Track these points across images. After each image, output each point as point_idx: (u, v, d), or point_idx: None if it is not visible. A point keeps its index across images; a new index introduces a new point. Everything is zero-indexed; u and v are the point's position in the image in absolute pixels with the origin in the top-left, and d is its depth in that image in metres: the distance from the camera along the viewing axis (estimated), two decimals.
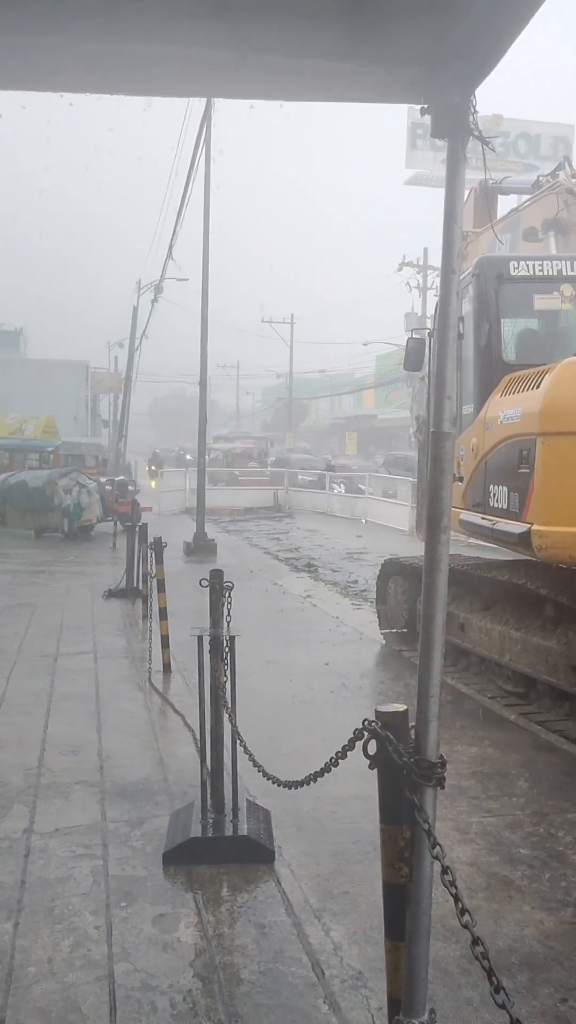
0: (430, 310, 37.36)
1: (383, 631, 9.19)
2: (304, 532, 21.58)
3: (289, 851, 4.16)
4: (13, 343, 49.15)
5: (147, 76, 2.26)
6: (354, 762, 2.51)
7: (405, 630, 8.77)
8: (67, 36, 2.03)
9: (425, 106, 1.90)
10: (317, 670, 7.75)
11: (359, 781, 4.72)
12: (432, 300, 38.05)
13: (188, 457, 37.60)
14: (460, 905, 1.76)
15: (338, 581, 13.65)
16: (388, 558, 9.70)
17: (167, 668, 7.51)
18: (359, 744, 2.19)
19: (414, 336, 8.67)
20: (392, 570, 9.22)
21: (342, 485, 28.41)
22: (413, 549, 12.93)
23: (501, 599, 7.13)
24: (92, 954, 3.29)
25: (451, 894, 1.75)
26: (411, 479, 20.08)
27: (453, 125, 1.88)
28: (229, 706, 4.20)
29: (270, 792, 4.55)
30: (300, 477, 30.34)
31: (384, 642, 8.98)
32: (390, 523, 21.93)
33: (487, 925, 3.53)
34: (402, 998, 1.93)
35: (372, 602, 10.70)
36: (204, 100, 14.42)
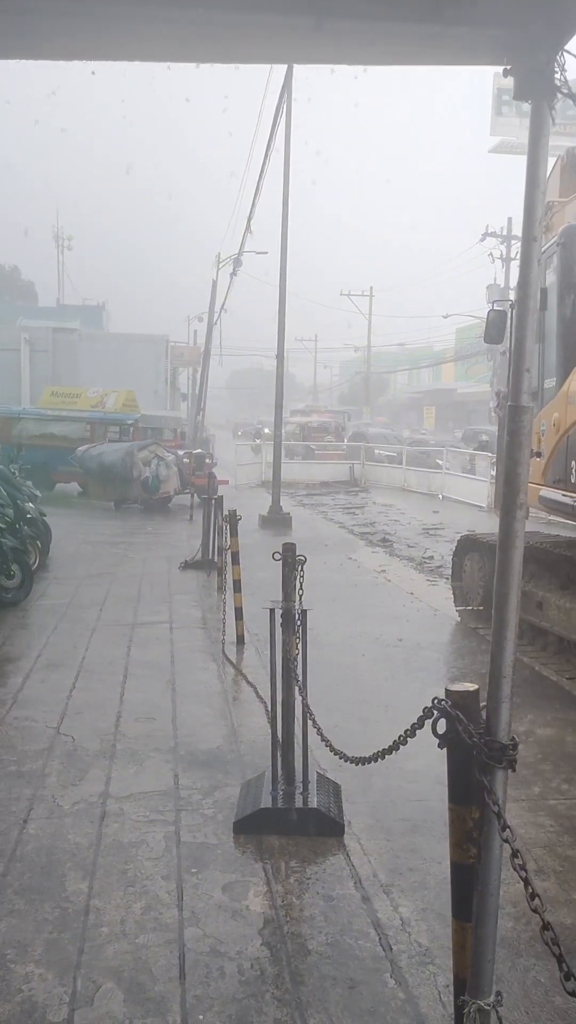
0: (513, 281, 36.48)
1: (458, 608, 9.10)
2: (380, 507, 21.45)
3: (358, 825, 4.17)
4: (96, 318, 49.87)
5: (227, 43, 2.23)
6: (426, 739, 2.48)
7: (481, 608, 8.65)
8: (146, 5, 2.01)
9: (508, 67, 1.83)
10: (390, 646, 7.72)
11: (431, 758, 4.69)
12: (515, 270, 37.14)
13: (266, 431, 37.68)
14: (530, 889, 1.73)
15: (413, 557, 13.54)
16: (465, 534, 9.57)
17: (240, 639, 7.57)
18: (428, 723, 2.17)
19: (495, 308, 8.47)
20: (469, 546, 9.10)
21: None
22: (491, 525, 12.74)
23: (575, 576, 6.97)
24: (163, 918, 3.36)
25: (521, 878, 1.73)
26: (489, 454, 19.74)
27: (538, 86, 1.80)
28: (300, 679, 4.21)
29: (341, 766, 4.56)
30: (377, 452, 30.09)
31: (459, 619, 8.88)
32: (467, 499, 21.62)
33: (559, 910, 3.48)
34: (468, 978, 1.91)
35: (447, 579, 10.58)
36: (284, 70, 14.28)
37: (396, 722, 5.58)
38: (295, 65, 13.07)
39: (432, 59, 2.08)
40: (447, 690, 1.94)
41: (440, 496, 23.39)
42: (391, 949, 3.19)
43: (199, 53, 2.37)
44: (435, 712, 1.94)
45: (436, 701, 1.92)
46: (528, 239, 1.83)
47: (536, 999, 2.91)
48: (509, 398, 1.81)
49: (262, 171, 15.98)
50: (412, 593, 10.35)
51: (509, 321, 8.60)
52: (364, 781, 4.62)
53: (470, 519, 17.76)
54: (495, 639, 1.89)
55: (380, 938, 3.26)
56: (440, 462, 25.73)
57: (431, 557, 13.49)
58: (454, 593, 9.33)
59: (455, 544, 9.52)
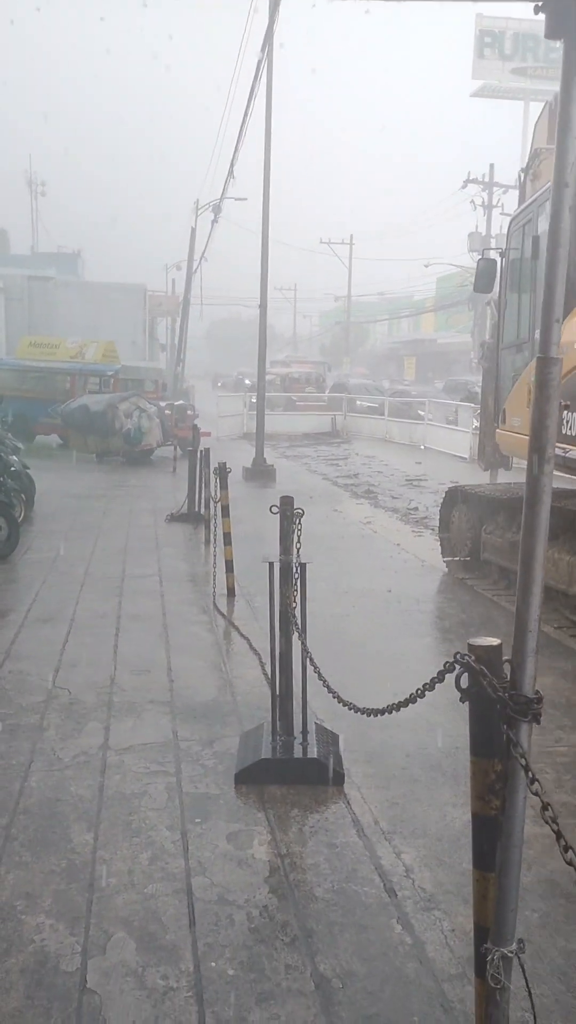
0: (495, 229, 36.10)
1: (446, 559, 9.14)
2: (363, 458, 21.45)
3: (358, 774, 4.22)
4: (72, 266, 48.96)
5: None
6: (418, 688, 2.49)
7: (468, 558, 8.71)
8: None
9: (540, 3, 1.75)
10: (380, 597, 7.76)
11: (424, 707, 4.72)
12: (498, 219, 36.73)
13: (247, 382, 37.40)
14: (563, 842, 1.75)
15: (398, 508, 13.58)
16: (452, 485, 9.59)
17: (231, 592, 7.58)
18: (444, 677, 2.17)
19: (486, 256, 8.37)
20: (456, 497, 9.12)
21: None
22: (474, 476, 12.78)
23: (569, 528, 7.00)
24: (170, 867, 3.40)
25: (553, 831, 1.74)
26: (473, 405, 19.70)
27: (571, 24, 1.73)
28: (301, 630, 4.22)
29: (338, 716, 4.61)
30: (358, 403, 29.97)
31: (447, 570, 8.94)
32: (450, 449, 21.66)
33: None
34: (491, 927, 1.94)
35: (432, 529, 10.63)
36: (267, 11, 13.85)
37: (390, 673, 5.67)
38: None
39: None
40: (470, 644, 1.94)
41: (422, 447, 23.42)
42: (396, 895, 3.24)
43: None
44: (457, 666, 1.93)
45: (459, 655, 1.92)
46: (560, 184, 1.78)
47: (551, 945, 2.97)
48: (539, 349, 1.78)
49: (245, 114, 15.60)
50: (399, 544, 10.39)
51: (499, 270, 8.52)
52: (361, 731, 4.67)
53: (453, 470, 17.80)
54: (521, 593, 1.89)
55: (384, 884, 3.31)
56: (422, 413, 25.69)
57: (416, 508, 13.53)
58: (441, 544, 9.38)
59: (443, 495, 9.53)
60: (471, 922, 2.20)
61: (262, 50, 13.96)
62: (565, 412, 6.34)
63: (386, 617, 7.13)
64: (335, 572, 8.54)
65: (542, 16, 1.80)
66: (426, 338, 61.83)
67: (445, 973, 2.80)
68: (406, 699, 2.50)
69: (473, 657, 1.90)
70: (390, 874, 3.38)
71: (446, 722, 4.77)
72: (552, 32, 1.75)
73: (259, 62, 14.14)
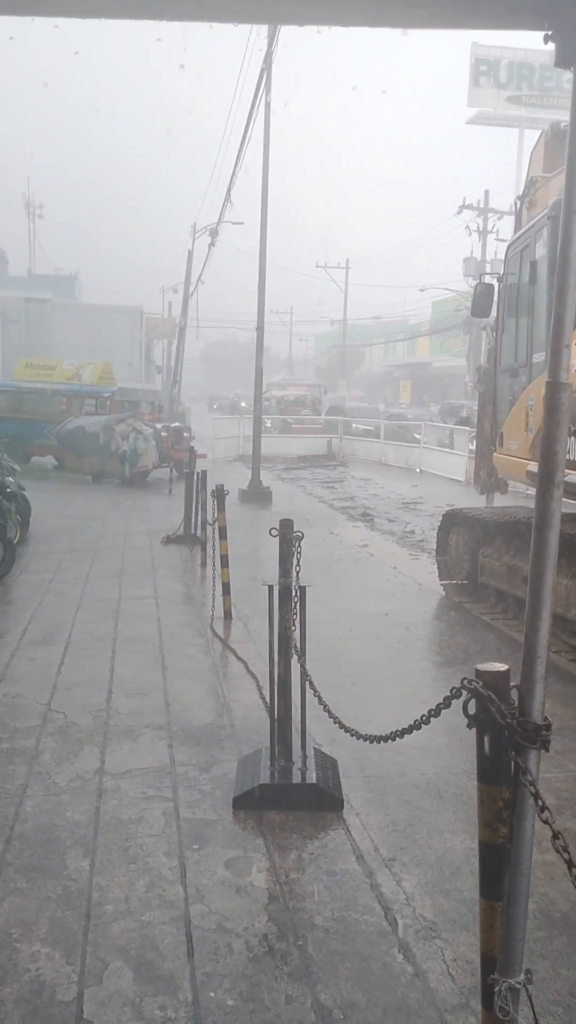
0: (491, 254, 36.39)
1: (443, 582, 9.12)
2: (359, 481, 21.46)
3: (357, 800, 4.18)
4: (68, 288, 49.21)
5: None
6: (416, 713, 2.47)
7: (466, 582, 8.69)
8: None
9: (550, 33, 1.77)
10: (377, 620, 7.74)
11: (423, 732, 4.70)
12: (492, 245, 37.04)
13: (243, 404, 37.47)
14: (574, 872, 1.72)
15: (394, 531, 13.57)
16: (450, 508, 9.59)
17: (228, 615, 7.55)
18: (451, 703, 2.15)
19: (482, 281, 8.43)
20: (453, 521, 9.11)
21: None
22: (470, 499, 12.78)
23: (569, 553, 7.00)
24: (167, 894, 3.35)
25: (564, 860, 1.72)
26: (469, 429, 19.75)
27: None
28: (300, 655, 4.19)
29: (336, 741, 4.58)
30: (354, 426, 30.05)
31: (444, 593, 8.92)
32: (446, 473, 21.69)
33: (564, 882, 3.50)
34: (498, 957, 1.91)
35: (429, 552, 10.62)
36: (266, 40, 14.02)
37: (388, 697, 5.63)
38: (286, 27, 12.85)
39: (469, 23, 2.01)
40: (477, 670, 1.92)
41: (418, 470, 23.45)
42: (397, 924, 3.20)
43: (175, 9, 2.26)
44: (464, 692, 1.92)
45: (466, 681, 1.90)
46: (570, 211, 1.79)
47: (566, 975, 2.93)
48: (547, 374, 1.78)
49: (243, 141, 15.75)
50: (395, 567, 10.38)
51: (496, 295, 8.57)
52: (361, 756, 4.63)
53: (449, 493, 17.82)
54: (530, 619, 1.88)
55: (385, 912, 3.27)
56: (418, 436, 25.75)
57: (412, 531, 13.53)
58: (439, 567, 9.36)
59: (440, 518, 9.53)
60: (473, 951, 2.18)
61: (260, 78, 14.12)
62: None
63: (383, 641, 7.10)
64: (332, 595, 8.51)
65: (537, 45, 1.82)
66: (421, 361, 62.12)
67: (447, 1003, 2.76)
68: (411, 725, 2.48)
69: (481, 683, 1.88)
70: (391, 902, 3.34)
71: (446, 748, 4.74)
72: (561, 61, 1.76)
73: (257, 88, 14.29)
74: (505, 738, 1.85)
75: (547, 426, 1.77)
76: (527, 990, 1.92)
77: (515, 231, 8.97)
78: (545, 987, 2.84)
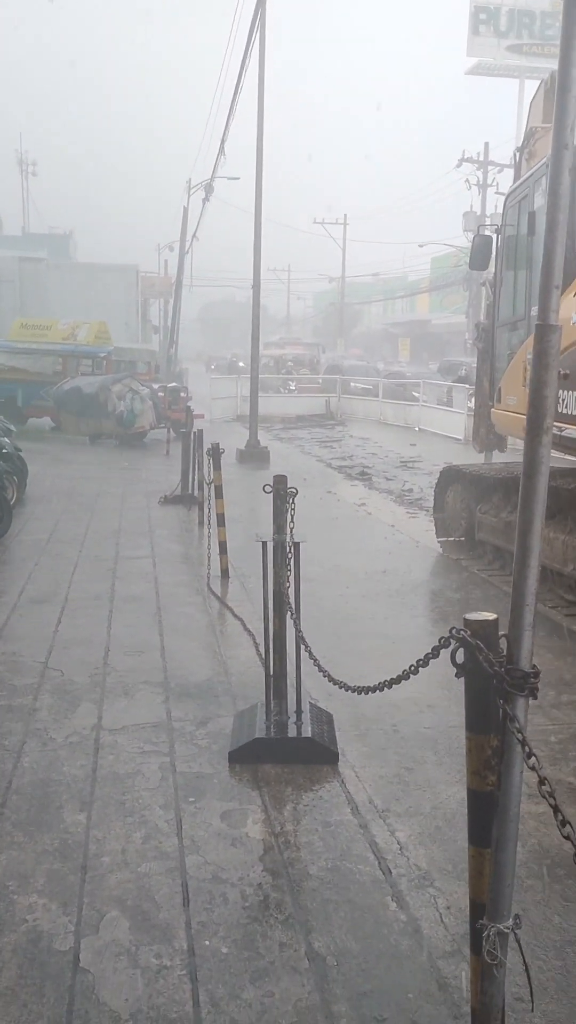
0: (491, 208, 35.87)
1: (440, 539, 9.12)
2: (357, 440, 21.39)
3: (352, 753, 4.20)
4: (63, 247, 48.62)
5: None
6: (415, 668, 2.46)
7: (463, 539, 8.68)
8: None
9: None
10: (374, 577, 7.74)
11: (418, 686, 4.71)
12: (492, 198, 36.51)
13: (240, 364, 37.24)
14: (560, 816, 1.72)
15: (392, 489, 13.55)
16: (447, 466, 9.55)
17: (225, 573, 7.55)
18: (439, 653, 2.14)
19: (481, 233, 8.30)
20: (451, 478, 9.08)
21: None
22: (468, 457, 12.73)
23: (564, 508, 6.98)
24: (163, 846, 3.38)
25: (550, 805, 1.72)
26: (467, 386, 19.62)
27: None
28: (293, 610, 4.19)
29: (332, 695, 4.59)
30: (352, 384, 29.87)
31: (441, 551, 8.92)
32: (444, 431, 21.61)
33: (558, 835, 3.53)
34: (487, 903, 1.92)
35: (427, 510, 10.61)
36: None
37: (385, 652, 5.65)
38: None
39: None
40: (465, 619, 1.91)
41: (417, 428, 23.36)
42: (391, 873, 3.23)
43: None
44: (452, 641, 1.91)
45: (454, 631, 1.89)
46: (559, 146, 1.73)
47: (547, 922, 2.97)
48: (537, 316, 1.74)
49: (236, 88, 15.42)
50: (393, 525, 10.37)
51: (495, 247, 8.44)
52: (355, 710, 4.65)
53: (448, 451, 17.76)
54: (518, 567, 1.86)
55: (379, 862, 3.30)
56: (417, 394, 25.61)
57: (410, 490, 13.50)
58: (436, 524, 9.35)
59: (437, 476, 9.50)
60: (466, 899, 2.19)
61: (253, 24, 13.77)
62: (562, 391, 6.30)
63: (381, 598, 7.11)
64: (330, 553, 8.51)
65: None
66: (421, 319, 61.56)
67: (440, 950, 2.79)
68: (399, 676, 2.47)
69: (469, 632, 1.87)
70: (384, 852, 3.37)
71: (440, 701, 4.76)
72: None
73: (250, 31, 13.93)
74: (493, 686, 1.84)
75: (535, 369, 1.73)
76: (515, 935, 1.94)
77: (514, 183, 8.82)
78: (539, 934, 2.87)
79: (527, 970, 2.13)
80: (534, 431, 1.75)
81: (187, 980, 2.65)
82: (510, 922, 1.90)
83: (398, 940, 2.85)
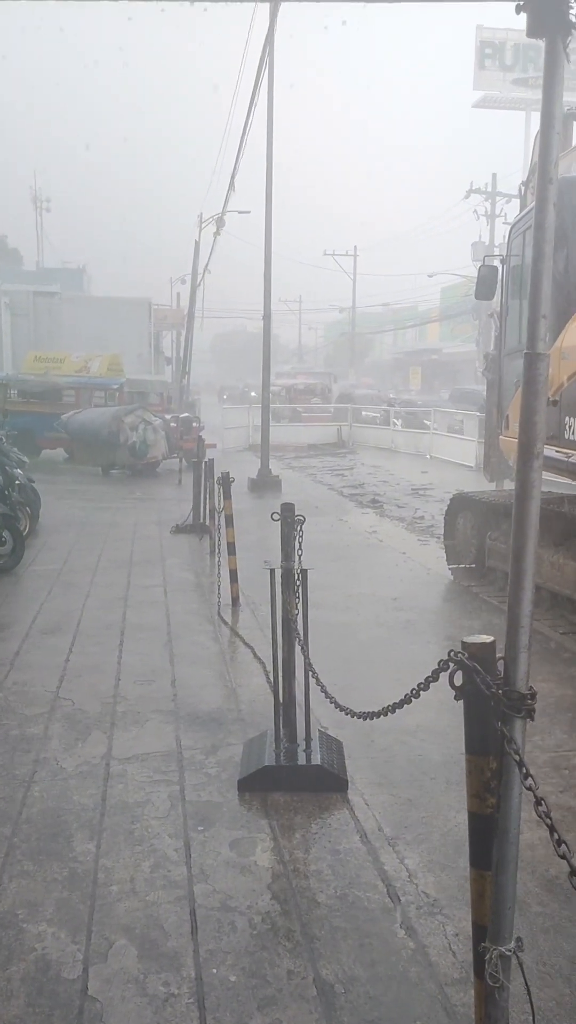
0: (499, 238, 36.16)
1: (451, 566, 9.12)
2: (368, 468, 21.44)
3: (361, 781, 4.20)
4: (77, 281, 49.20)
5: None
6: (423, 695, 2.48)
7: (474, 565, 8.69)
8: None
9: (521, 3, 1.77)
10: (385, 605, 7.75)
11: (428, 713, 4.74)
12: (500, 228, 36.78)
13: (252, 394, 37.46)
14: (556, 836, 1.74)
15: (404, 517, 13.56)
16: (457, 493, 9.58)
17: (235, 602, 7.57)
18: (439, 676, 2.16)
19: (486, 263, 8.39)
20: (461, 505, 9.10)
21: (399, 420, 27.94)
22: (480, 485, 12.74)
23: (574, 534, 6.99)
24: (172, 875, 3.39)
25: (546, 825, 1.73)
26: (478, 414, 19.68)
27: (552, 22, 1.74)
28: (301, 637, 4.21)
29: (342, 723, 4.60)
30: (364, 413, 29.99)
31: (452, 578, 8.92)
32: (455, 459, 21.62)
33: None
34: (488, 925, 1.93)
35: (438, 538, 10.61)
36: (266, 22, 13.92)
37: (395, 679, 5.65)
38: (285, 3, 12.77)
39: None
40: (463, 642, 1.94)
41: (428, 456, 23.39)
42: (399, 900, 3.22)
43: None
44: (451, 664, 1.93)
45: (452, 653, 1.91)
46: (544, 180, 1.78)
47: (554, 948, 2.95)
48: (526, 345, 1.78)
49: (245, 127, 15.67)
50: (404, 552, 10.38)
51: (500, 277, 8.53)
52: (365, 738, 4.66)
53: (459, 479, 17.77)
54: (512, 589, 1.89)
55: (388, 890, 3.29)
56: (428, 422, 25.68)
57: (421, 517, 13.51)
58: (447, 551, 9.36)
59: (447, 503, 9.52)
60: None
61: (261, 62, 14.04)
62: (568, 418, 6.33)
63: (391, 625, 7.11)
64: (341, 581, 8.53)
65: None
66: (431, 348, 61.82)
67: (448, 977, 2.78)
68: (401, 700, 2.49)
69: (466, 654, 1.90)
70: (393, 879, 3.36)
71: (451, 729, 4.75)
72: (533, 31, 1.76)
73: (258, 68, 14.18)
74: (491, 708, 1.86)
75: (525, 397, 1.77)
76: (518, 958, 1.94)
77: (519, 214, 8.92)
78: (546, 959, 2.86)
79: (529, 993, 2.13)
80: (525, 456, 1.79)
81: (195, 1008, 2.65)
82: (512, 945, 1.91)
83: (406, 967, 2.84)
